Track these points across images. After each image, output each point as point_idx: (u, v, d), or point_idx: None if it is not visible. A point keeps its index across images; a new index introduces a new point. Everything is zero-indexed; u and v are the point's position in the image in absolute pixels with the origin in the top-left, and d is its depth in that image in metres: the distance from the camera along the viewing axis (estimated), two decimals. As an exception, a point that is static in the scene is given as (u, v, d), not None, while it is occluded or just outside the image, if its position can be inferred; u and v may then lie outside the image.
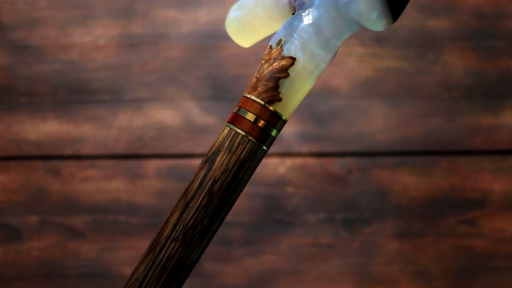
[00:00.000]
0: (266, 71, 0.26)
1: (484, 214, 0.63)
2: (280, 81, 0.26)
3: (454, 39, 0.65)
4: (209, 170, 0.26)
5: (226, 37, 0.67)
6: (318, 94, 0.65)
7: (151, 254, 0.26)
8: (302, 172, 0.64)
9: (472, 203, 0.63)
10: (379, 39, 0.65)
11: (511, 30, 0.65)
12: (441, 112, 0.64)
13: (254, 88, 0.27)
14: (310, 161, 0.64)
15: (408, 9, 0.66)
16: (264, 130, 0.26)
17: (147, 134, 0.64)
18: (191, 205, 0.26)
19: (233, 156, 0.26)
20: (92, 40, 0.66)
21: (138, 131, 0.64)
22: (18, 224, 0.64)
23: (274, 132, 0.27)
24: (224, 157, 0.26)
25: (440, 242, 0.63)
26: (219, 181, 0.26)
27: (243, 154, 0.26)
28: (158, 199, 0.64)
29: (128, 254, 0.63)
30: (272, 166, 0.64)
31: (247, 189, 0.64)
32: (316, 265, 0.63)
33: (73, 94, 0.65)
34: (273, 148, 0.64)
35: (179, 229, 0.26)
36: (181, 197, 0.26)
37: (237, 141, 0.26)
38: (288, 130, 0.64)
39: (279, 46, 0.27)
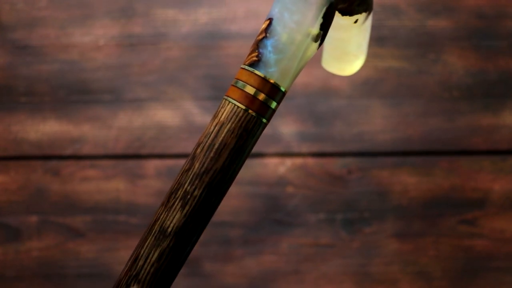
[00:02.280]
0: None
1: (484, 214, 0.63)
2: (260, 43, 0.27)
3: (454, 39, 0.65)
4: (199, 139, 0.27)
5: (226, 37, 0.67)
6: (318, 94, 0.65)
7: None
8: (302, 172, 0.64)
9: (472, 203, 0.63)
10: (379, 39, 0.65)
11: (511, 30, 0.65)
12: (441, 112, 0.64)
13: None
14: (310, 161, 0.64)
15: (408, 9, 0.66)
16: (257, 99, 0.27)
17: (147, 134, 0.64)
18: (178, 171, 0.26)
19: (215, 120, 0.26)
20: (92, 40, 0.66)
21: (138, 131, 0.64)
22: (17, 224, 0.64)
23: (265, 99, 0.27)
24: (210, 122, 0.26)
25: (440, 242, 0.63)
26: (201, 144, 0.26)
27: (223, 116, 0.26)
28: (158, 199, 0.64)
29: (128, 254, 0.63)
30: (272, 166, 0.63)
31: (247, 189, 0.64)
32: (316, 265, 0.63)
33: (73, 94, 0.65)
34: (273, 148, 0.64)
35: (167, 196, 0.26)
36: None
37: (220, 105, 0.26)
38: (288, 130, 0.64)
39: None
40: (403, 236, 0.63)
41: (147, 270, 0.26)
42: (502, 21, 0.65)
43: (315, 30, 0.27)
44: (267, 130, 0.64)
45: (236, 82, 0.27)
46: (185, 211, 0.26)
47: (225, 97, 0.27)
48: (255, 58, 0.26)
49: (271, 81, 0.27)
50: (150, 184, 0.64)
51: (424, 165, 0.63)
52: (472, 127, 0.64)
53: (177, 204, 0.26)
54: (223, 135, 0.26)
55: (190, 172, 0.26)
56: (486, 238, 0.63)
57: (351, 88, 0.65)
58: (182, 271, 0.66)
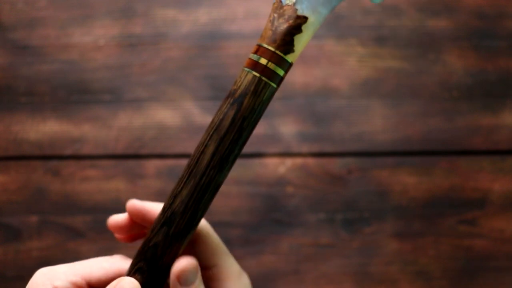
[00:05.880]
0: (282, 26, 0.31)
1: (484, 214, 0.63)
2: (295, 37, 0.31)
3: (454, 39, 0.65)
4: (238, 110, 0.30)
5: (226, 37, 0.67)
6: (318, 94, 0.65)
7: (192, 181, 0.31)
8: (302, 172, 0.64)
9: (472, 203, 0.63)
10: (379, 39, 0.65)
11: (511, 30, 0.65)
12: (441, 112, 0.64)
13: (272, 40, 0.31)
14: (310, 161, 0.64)
15: (408, 9, 0.66)
16: (281, 77, 0.32)
17: (147, 134, 0.65)
18: (225, 139, 0.31)
19: (258, 98, 0.31)
20: (92, 40, 0.66)
21: (138, 131, 0.65)
22: (18, 224, 0.64)
23: (283, 74, 0.32)
24: (251, 99, 0.31)
25: (440, 242, 0.63)
26: (247, 119, 0.31)
27: (265, 96, 0.31)
28: (158, 199, 0.64)
29: (128, 254, 0.63)
30: (272, 166, 0.64)
31: (247, 189, 0.64)
32: (316, 265, 0.63)
33: (73, 94, 0.65)
34: (273, 148, 0.64)
35: (217, 159, 0.31)
36: (212, 133, 0.31)
37: (261, 86, 0.31)
38: (288, 130, 0.64)
39: (292, 5, 0.31)
40: (402, 236, 0.63)
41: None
42: (502, 21, 0.65)
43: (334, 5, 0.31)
44: (267, 130, 0.64)
45: (276, 69, 0.31)
46: (231, 168, 0.32)
47: (271, 84, 0.31)
48: (291, 50, 0.31)
49: (291, 62, 0.32)
50: (151, 184, 0.64)
51: (423, 165, 0.64)
52: (472, 127, 0.64)
53: (229, 166, 0.31)
54: (263, 111, 0.31)
55: (239, 141, 0.31)
56: (485, 238, 0.63)
57: (351, 88, 0.65)
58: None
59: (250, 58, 0.31)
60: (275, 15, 0.31)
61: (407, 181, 0.63)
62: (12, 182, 0.64)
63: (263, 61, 0.31)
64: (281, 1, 0.31)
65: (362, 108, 0.64)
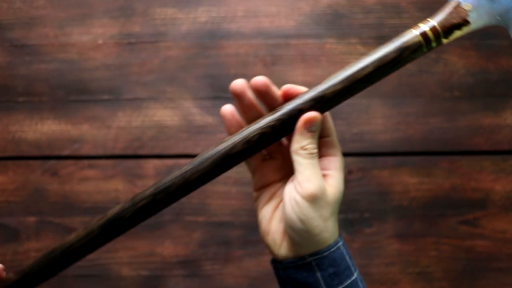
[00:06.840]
0: (453, 20, 0.40)
1: (485, 215, 0.63)
2: (455, 31, 0.40)
3: (455, 38, 0.65)
4: (399, 56, 0.39)
5: (225, 36, 0.67)
6: (319, 93, 0.64)
7: (346, 83, 0.39)
8: (302, 172, 0.63)
9: (473, 203, 0.63)
10: (379, 38, 0.65)
11: (512, 29, 0.65)
12: (442, 112, 0.64)
13: (441, 24, 0.40)
14: (310, 161, 0.63)
15: (409, 7, 0.66)
16: (432, 48, 0.40)
17: (146, 134, 0.64)
18: (379, 70, 0.39)
19: (412, 56, 0.39)
20: (91, 39, 0.66)
21: (137, 131, 0.64)
22: (16, 224, 0.63)
23: (434, 47, 0.40)
24: (409, 54, 0.39)
25: (441, 242, 0.62)
26: (398, 64, 0.39)
27: (416, 56, 0.39)
28: (157, 199, 0.63)
29: (127, 255, 0.63)
30: (272, 166, 0.63)
31: (247, 189, 0.63)
32: (316, 266, 0.62)
33: (72, 93, 0.65)
34: (273, 148, 0.64)
35: (367, 78, 0.39)
36: (375, 61, 0.39)
37: (419, 49, 0.39)
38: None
39: (467, 10, 0.40)
40: (403, 236, 0.63)
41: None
42: (503, 20, 0.65)
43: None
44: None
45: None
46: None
47: (425, 49, 0.40)
48: (446, 40, 0.40)
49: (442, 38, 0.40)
50: (150, 184, 0.63)
51: (424, 165, 0.63)
52: (473, 127, 0.64)
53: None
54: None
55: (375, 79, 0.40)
56: (487, 238, 0.62)
57: (351, 88, 0.64)
58: (182, 271, 0.66)
59: (419, 26, 0.40)
60: (452, 9, 0.41)
61: (408, 181, 0.63)
62: (10, 182, 0.64)
63: (428, 32, 0.39)
64: (460, 1, 0.40)
65: (362, 108, 0.64)
